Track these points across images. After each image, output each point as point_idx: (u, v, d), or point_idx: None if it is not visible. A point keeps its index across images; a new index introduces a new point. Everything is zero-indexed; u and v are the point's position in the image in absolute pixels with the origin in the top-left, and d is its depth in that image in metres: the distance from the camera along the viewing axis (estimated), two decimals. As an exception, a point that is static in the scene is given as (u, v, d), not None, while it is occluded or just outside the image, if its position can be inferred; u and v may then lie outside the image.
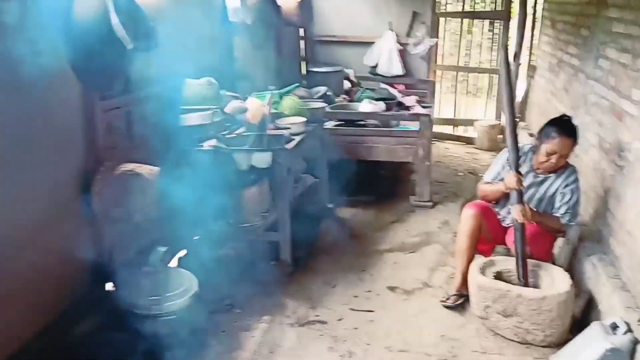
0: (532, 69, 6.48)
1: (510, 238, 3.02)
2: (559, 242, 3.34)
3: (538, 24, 6.42)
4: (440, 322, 2.98)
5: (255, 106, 3.52)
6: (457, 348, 2.76)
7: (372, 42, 6.08)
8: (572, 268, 3.20)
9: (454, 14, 6.49)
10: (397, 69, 5.99)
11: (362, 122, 4.80)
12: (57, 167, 2.40)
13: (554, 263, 3.17)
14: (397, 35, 6.03)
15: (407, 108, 5.17)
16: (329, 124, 4.63)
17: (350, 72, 5.96)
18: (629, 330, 2.37)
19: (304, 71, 5.98)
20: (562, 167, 3.07)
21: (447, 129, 6.93)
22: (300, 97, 4.26)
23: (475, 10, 6.50)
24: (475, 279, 2.91)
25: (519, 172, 2.96)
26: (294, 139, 3.53)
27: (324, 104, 4.38)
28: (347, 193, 4.59)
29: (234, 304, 3.08)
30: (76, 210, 2.53)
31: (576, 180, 3.05)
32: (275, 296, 3.19)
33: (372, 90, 5.49)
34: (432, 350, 2.74)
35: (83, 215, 2.57)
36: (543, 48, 5.99)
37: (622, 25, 3.20)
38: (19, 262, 2.20)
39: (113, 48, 2.22)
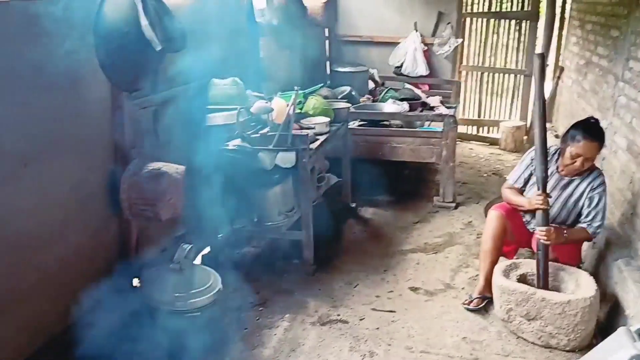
0: (559, 69, 6.38)
1: (535, 242, 2.98)
2: (585, 245, 3.29)
3: (566, 24, 6.31)
4: (462, 324, 2.96)
5: (280, 106, 3.55)
6: (479, 350, 2.75)
7: (397, 42, 6.06)
8: (598, 272, 3.15)
9: (480, 14, 6.42)
10: (422, 69, 5.97)
11: (386, 122, 4.80)
12: (86, 164, 2.47)
13: (580, 267, 3.12)
14: (422, 36, 6.01)
15: (432, 108, 5.14)
16: (353, 124, 4.64)
17: (375, 72, 5.96)
18: (657, 337, 2.32)
19: (328, 71, 6.00)
20: (588, 170, 3.02)
21: (472, 130, 6.86)
22: (325, 97, 4.28)
23: (502, 10, 6.41)
24: (498, 281, 2.89)
25: (545, 192, 2.89)
26: (318, 139, 3.55)
27: (348, 104, 4.39)
28: (370, 193, 4.60)
29: (257, 302, 3.12)
30: (103, 206, 2.60)
31: (602, 183, 3.00)
32: (297, 295, 3.22)
33: (396, 90, 5.48)
34: (454, 352, 2.73)
35: (110, 212, 2.64)
36: (571, 49, 5.90)
37: (654, 26, 3.14)
38: (48, 256, 2.27)
39: (142, 49, 2.27)
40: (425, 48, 6.02)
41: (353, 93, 5.09)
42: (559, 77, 6.31)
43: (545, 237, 2.83)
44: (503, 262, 3.07)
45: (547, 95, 6.41)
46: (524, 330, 2.81)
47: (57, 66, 2.20)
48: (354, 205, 4.42)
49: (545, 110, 2.99)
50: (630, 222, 3.14)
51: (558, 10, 6.44)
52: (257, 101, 3.49)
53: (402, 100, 5.13)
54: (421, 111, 5.02)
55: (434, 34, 6.09)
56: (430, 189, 4.86)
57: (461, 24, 6.23)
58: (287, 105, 3.49)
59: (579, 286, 2.80)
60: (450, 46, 6.01)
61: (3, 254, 2.03)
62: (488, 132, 6.82)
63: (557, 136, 5.31)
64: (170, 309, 2.53)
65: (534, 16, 6.28)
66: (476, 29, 6.47)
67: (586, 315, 2.66)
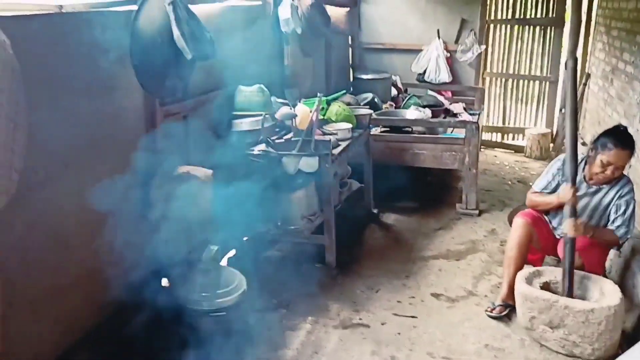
0: (585, 76, 6.31)
1: (561, 249, 2.96)
2: (611, 254, 3.25)
3: (592, 31, 6.25)
4: (484, 331, 2.97)
5: (304, 112, 3.62)
6: (501, 358, 2.75)
7: (420, 50, 6.09)
8: (624, 281, 3.12)
9: (504, 21, 6.41)
10: (445, 76, 5.98)
11: (409, 129, 4.83)
12: (120, 167, 2.57)
13: (605, 276, 3.09)
14: (445, 43, 6.02)
15: (454, 115, 5.15)
16: (376, 130, 4.68)
17: (397, 79, 6.00)
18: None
19: (350, 78, 6.06)
20: (616, 178, 3.00)
21: (496, 137, 6.83)
22: (347, 104, 4.34)
23: (527, 17, 6.38)
24: (521, 288, 2.88)
25: (575, 186, 2.89)
26: (340, 145, 3.60)
27: (369, 111, 4.43)
28: (392, 199, 4.62)
29: (280, 304, 3.17)
30: (136, 207, 2.70)
31: (631, 191, 2.97)
32: (319, 298, 3.26)
33: (419, 97, 5.51)
34: (475, 358, 2.74)
35: (142, 213, 2.73)
36: (597, 55, 5.84)
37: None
38: (85, 253, 2.37)
39: (174, 58, 2.36)
40: (448, 55, 6.04)
41: (376, 100, 5.14)
42: (585, 84, 6.25)
43: (573, 229, 2.81)
44: (526, 269, 3.05)
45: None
46: (547, 339, 2.79)
47: (95, 73, 2.31)
48: (375, 211, 4.45)
49: (577, 107, 2.96)
50: (656, 230, 3.11)
51: (584, 17, 6.38)
52: (282, 107, 3.57)
53: (424, 107, 5.15)
54: (444, 118, 5.03)
55: (457, 41, 6.10)
56: (452, 196, 4.86)
57: (485, 31, 6.23)
58: (311, 111, 3.55)
59: (604, 295, 2.78)
60: (473, 53, 6.01)
61: (46, 251, 2.13)
62: (513, 139, 6.77)
63: (583, 143, 5.25)
64: (197, 308, 2.61)
65: (559, 22, 6.24)
66: (500, 36, 6.45)
67: (610, 325, 2.63)
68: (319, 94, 3.58)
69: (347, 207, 4.08)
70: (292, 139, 3.46)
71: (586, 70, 6.25)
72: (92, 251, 2.39)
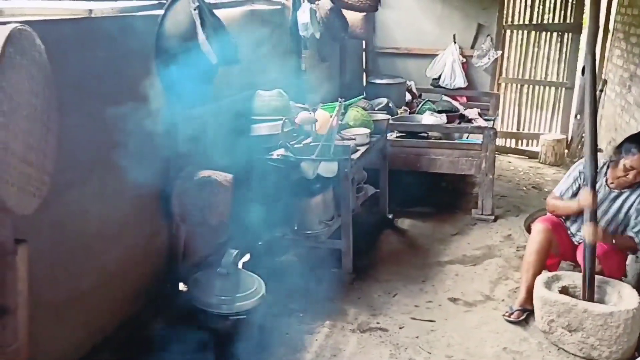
0: (602, 82, 6.28)
1: (580, 255, 2.96)
2: (629, 259, 3.24)
3: (609, 37, 6.22)
4: (502, 335, 2.97)
5: (323, 117, 3.64)
6: (519, 362, 2.75)
7: (435, 54, 6.10)
8: (643, 286, 3.10)
9: (520, 27, 6.39)
10: (460, 81, 5.97)
11: (424, 134, 4.83)
12: (142, 171, 2.60)
13: (622, 280, 3.08)
14: (460, 48, 6.02)
15: (470, 120, 5.15)
16: (391, 136, 4.69)
17: (412, 84, 6.00)
18: None
19: (364, 83, 6.08)
20: (638, 183, 3.00)
21: (510, 143, 6.80)
22: (363, 109, 4.35)
23: (544, 22, 6.36)
24: (540, 292, 2.89)
25: (594, 191, 2.89)
26: (359, 150, 3.62)
27: (387, 116, 4.45)
28: (407, 204, 4.63)
29: (298, 308, 3.19)
30: (157, 212, 2.73)
31: (652, 195, 2.97)
32: (336, 302, 3.27)
33: (434, 102, 5.50)
34: (494, 362, 2.75)
35: (162, 217, 2.76)
36: (614, 61, 5.81)
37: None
38: (108, 257, 2.40)
39: (198, 62, 2.40)
40: (464, 60, 6.04)
41: (390, 105, 5.14)
42: (601, 90, 6.21)
43: (592, 234, 2.80)
44: (545, 274, 3.06)
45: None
46: (565, 342, 2.80)
47: (121, 78, 2.35)
48: (391, 216, 4.46)
49: (596, 111, 2.96)
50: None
51: (602, 23, 6.34)
52: (301, 112, 3.59)
53: (439, 112, 5.15)
54: (459, 123, 5.03)
55: (473, 46, 6.10)
56: (468, 202, 4.85)
57: (501, 36, 6.22)
58: (330, 116, 3.57)
59: (622, 298, 2.79)
60: (489, 58, 6.00)
61: (70, 254, 2.16)
62: (527, 145, 6.74)
63: (599, 150, 5.22)
64: (216, 312, 2.63)
65: (576, 28, 6.21)
66: (516, 41, 6.43)
67: (629, 328, 2.64)
68: (340, 99, 3.59)
69: (362, 213, 4.09)
70: (311, 143, 3.47)
71: (603, 77, 6.21)
72: (113, 255, 2.42)
